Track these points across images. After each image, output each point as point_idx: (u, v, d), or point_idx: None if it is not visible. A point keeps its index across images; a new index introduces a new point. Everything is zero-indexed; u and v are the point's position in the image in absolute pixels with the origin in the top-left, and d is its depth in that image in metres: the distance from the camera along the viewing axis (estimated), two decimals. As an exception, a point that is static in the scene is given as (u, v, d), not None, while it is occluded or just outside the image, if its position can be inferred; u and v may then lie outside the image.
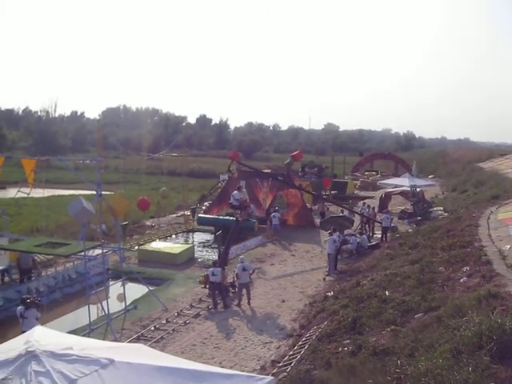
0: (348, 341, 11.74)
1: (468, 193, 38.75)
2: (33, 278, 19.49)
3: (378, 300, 13.62)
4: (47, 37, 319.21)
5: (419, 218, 32.43)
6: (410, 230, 27.89)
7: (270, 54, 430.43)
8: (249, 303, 18.33)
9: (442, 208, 34.37)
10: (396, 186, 39.80)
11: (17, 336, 6.88)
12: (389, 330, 11.37)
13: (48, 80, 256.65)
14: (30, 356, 5.29)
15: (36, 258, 20.40)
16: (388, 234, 27.77)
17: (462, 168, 60.45)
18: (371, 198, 42.94)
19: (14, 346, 5.77)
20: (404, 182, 38.82)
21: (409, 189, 36.61)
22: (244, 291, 18.55)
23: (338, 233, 23.48)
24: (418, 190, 36.74)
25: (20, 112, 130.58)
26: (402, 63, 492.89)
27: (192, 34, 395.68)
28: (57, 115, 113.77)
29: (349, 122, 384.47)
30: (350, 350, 11.01)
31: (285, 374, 11.27)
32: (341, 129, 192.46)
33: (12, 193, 23.37)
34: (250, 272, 19.04)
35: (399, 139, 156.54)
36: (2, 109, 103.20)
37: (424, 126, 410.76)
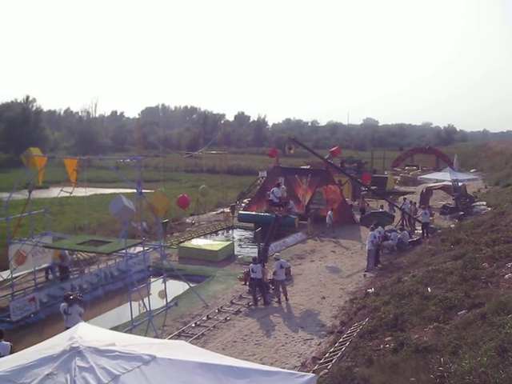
0: (390, 338, 11.62)
1: (512, 186, 38.00)
2: (71, 277, 19.89)
3: (419, 296, 13.44)
4: (88, 39, 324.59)
5: (461, 212, 31.93)
6: (452, 226, 27.45)
7: (307, 49, 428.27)
8: (286, 299, 18.29)
9: (484, 202, 33.78)
10: (437, 181, 39.25)
11: (61, 332, 7.00)
12: (431, 326, 11.20)
13: (88, 81, 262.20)
14: (74, 352, 5.37)
15: (79, 255, 20.87)
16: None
17: (505, 161, 59.29)
18: (412, 193, 42.37)
19: (59, 342, 5.87)
20: (445, 176, 38.20)
21: (450, 183, 36.13)
22: (280, 288, 18.53)
23: (380, 228, 23.24)
24: (459, 184, 36.24)
25: (62, 113, 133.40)
26: (440, 52, 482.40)
27: (229, 31, 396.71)
28: (97, 115, 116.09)
29: (388, 116, 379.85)
30: (391, 347, 10.90)
31: (326, 370, 11.22)
32: (380, 123, 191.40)
33: (55, 192, 23.79)
34: (287, 269, 18.95)
35: (440, 133, 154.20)
36: (45, 110, 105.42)
37: (465, 119, 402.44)
